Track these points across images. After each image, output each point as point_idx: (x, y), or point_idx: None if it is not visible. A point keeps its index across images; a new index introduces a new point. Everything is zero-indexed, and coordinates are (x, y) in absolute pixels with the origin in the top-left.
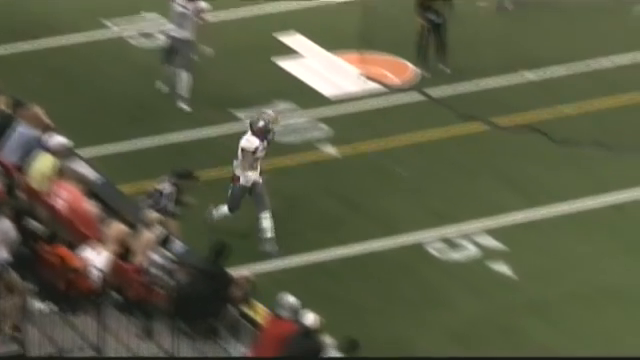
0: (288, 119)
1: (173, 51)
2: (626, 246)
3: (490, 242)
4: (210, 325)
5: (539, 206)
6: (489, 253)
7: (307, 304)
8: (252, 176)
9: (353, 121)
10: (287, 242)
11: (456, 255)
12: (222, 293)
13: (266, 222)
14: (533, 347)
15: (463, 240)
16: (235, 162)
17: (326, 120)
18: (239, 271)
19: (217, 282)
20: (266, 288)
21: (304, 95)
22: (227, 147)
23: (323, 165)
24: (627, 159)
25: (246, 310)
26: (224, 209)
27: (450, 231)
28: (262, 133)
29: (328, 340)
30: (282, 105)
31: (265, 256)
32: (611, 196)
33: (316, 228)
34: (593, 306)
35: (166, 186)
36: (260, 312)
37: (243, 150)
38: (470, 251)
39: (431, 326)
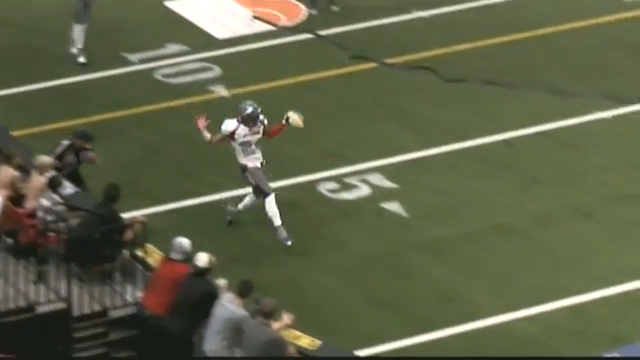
0: (179, 61)
1: None
2: (517, 182)
3: (382, 181)
4: (104, 269)
5: (431, 144)
6: (381, 192)
7: (200, 246)
8: (257, 157)
9: (244, 62)
10: (181, 184)
11: (348, 195)
12: (114, 236)
13: (250, 200)
14: (426, 284)
15: (355, 180)
16: (235, 153)
17: (217, 61)
18: (132, 214)
19: (109, 225)
20: (159, 231)
21: (195, 37)
22: (121, 90)
23: (214, 106)
24: (518, 95)
25: (139, 253)
26: (250, 198)
27: (342, 171)
28: (250, 120)
29: (222, 281)
30: (173, 47)
31: (157, 200)
32: (502, 133)
33: (210, 169)
34: (485, 243)
35: (64, 143)
36: (153, 255)
37: (222, 133)
38: (362, 190)
39: (324, 265)
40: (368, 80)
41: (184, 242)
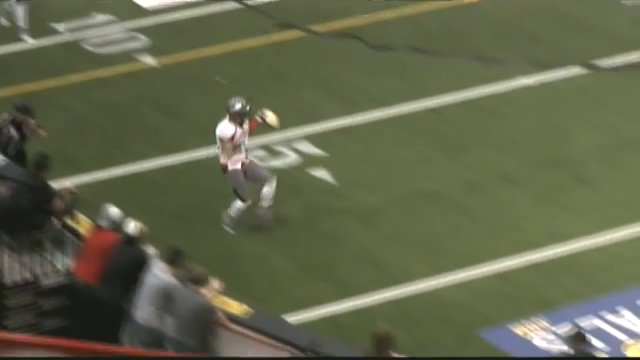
0: (106, 31)
1: None
2: (444, 149)
3: (310, 149)
4: (34, 238)
5: (358, 111)
6: (309, 160)
7: (130, 214)
8: (238, 158)
9: (171, 31)
10: (109, 153)
11: (277, 162)
12: (44, 206)
13: (267, 190)
14: (354, 250)
15: (283, 147)
16: (218, 151)
17: (144, 31)
18: (62, 184)
19: (39, 195)
20: (88, 199)
21: (122, 6)
22: (49, 60)
23: (142, 75)
24: (443, 63)
25: (69, 222)
26: (237, 204)
27: (271, 139)
28: (238, 117)
29: (151, 250)
30: (100, 17)
31: (87, 169)
32: (428, 100)
33: (138, 138)
34: (413, 210)
35: (4, 116)
36: (83, 224)
37: (221, 140)
38: (290, 158)
39: (254, 233)
40: (295, 48)
41: (113, 211)
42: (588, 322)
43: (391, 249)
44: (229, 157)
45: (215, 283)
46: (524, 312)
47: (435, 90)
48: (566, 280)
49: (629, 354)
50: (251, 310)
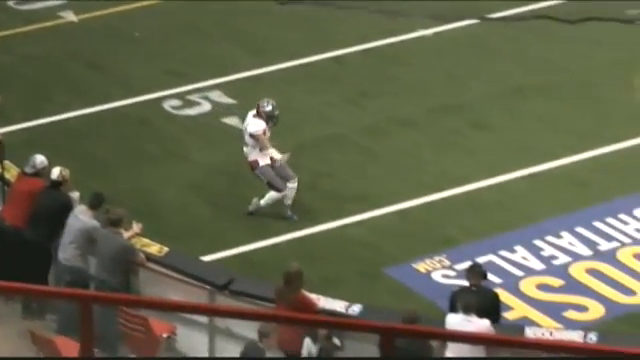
0: None
1: None
2: (347, 97)
3: (222, 98)
4: None
5: (267, 62)
6: (222, 108)
7: (55, 162)
8: (267, 153)
9: None
10: (36, 105)
11: (191, 111)
12: None
13: (290, 191)
14: (264, 193)
15: (197, 97)
16: (245, 149)
17: None
18: None
19: None
20: (14, 148)
21: None
22: None
23: (64, 30)
24: (349, 16)
25: None
26: (272, 194)
27: (185, 89)
28: (267, 117)
29: (75, 194)
30: None
31: (13, 119)
32: (333, 50)
33: (62, 91)
34: (320, 153)
35: None
36: (10, 171)
37: (253, 135)
38: (204, 107)
39: (170, 176)
40: (208, 2)
41: (39, 158)
42: (486, 259)
43: (299, 191)
44: (261, 152)
45: (135, 225)
46: (425, 250)
47: (340, 41)
48: (464, 219)
49: (523, 289)
50: (169, 250)
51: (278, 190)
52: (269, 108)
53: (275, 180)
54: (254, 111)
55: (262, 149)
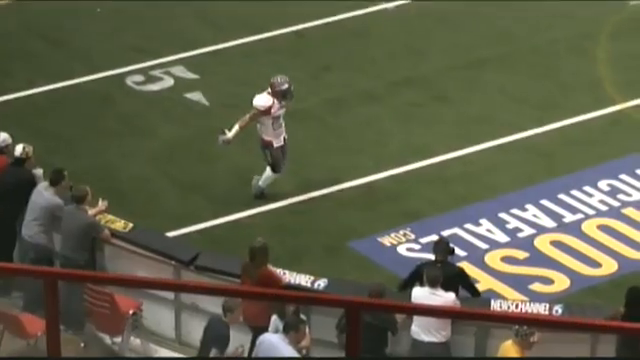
0: None
1: None
2: (309, 70)
3: (185, 73)
4: None
5: (229, 37)
6: (184, 83)
7: (19, 139)
8: (280, 132)
9: None
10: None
11: (154, 86)
12: None
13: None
14: (228, 168)
15: (160, 72)
16: (259, 127)
17: None
18: None
19: None
20: None
21: None
22: None
23: (25, 6)
24: None
25: None
26: (268, 173)
27: (148, 64)
28: (281, 95)
29: (38, 171)
30: None
31: None
32: (294, 25)
33: (23, 67)
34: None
35: None
36: None
37: (257, 109)
38: (167, 82)
39: (134, 153)
40: None
41: (2, 135)
42: (451, 232)
43: (263, 166)
44: (273, 130)
45: (100, 202)
46: (390, 224)
47: (301, 15)
48: (429, 192)
49: (489, 262)
50: (134, 226)
51: (276, 171)
52: (285, 86)
53: (279, 164)
54: (268, 89)
55: (274, 128)
